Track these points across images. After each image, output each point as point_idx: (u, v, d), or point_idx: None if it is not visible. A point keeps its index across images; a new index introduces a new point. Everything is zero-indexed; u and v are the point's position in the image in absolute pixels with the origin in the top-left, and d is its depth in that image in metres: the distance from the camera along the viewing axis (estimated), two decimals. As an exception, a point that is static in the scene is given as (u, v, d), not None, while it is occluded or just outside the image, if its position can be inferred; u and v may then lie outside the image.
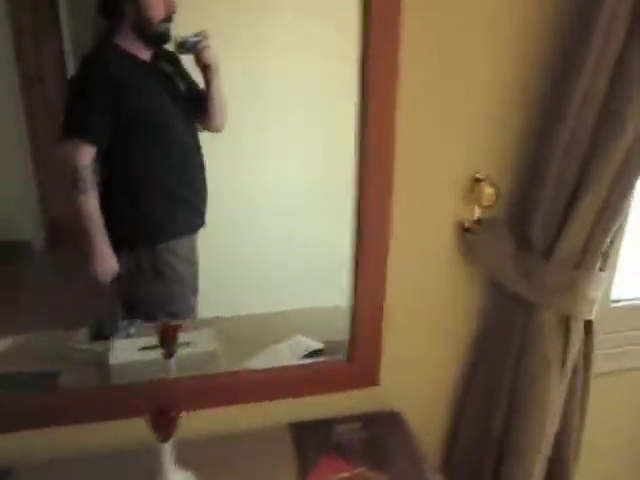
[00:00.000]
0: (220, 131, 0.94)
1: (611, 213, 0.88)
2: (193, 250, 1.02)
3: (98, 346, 1.03)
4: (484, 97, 0.93)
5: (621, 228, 0.95)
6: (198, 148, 0.94)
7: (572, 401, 1.01)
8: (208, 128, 0.94)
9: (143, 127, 0.91)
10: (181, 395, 0.99)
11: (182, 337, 1.05)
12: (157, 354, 1.02)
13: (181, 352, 1.04)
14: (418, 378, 1.09)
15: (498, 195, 0.96)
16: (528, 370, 0.97)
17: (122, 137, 0.90)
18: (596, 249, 0.91)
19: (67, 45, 0.87)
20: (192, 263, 1.02)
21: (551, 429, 1.00)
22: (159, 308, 1.03)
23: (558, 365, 0.96)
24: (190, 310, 1.06)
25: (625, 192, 0.87)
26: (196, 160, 0.95)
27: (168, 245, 0.99)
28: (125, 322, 1.05)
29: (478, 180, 0.97)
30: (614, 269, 1.15)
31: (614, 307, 1.18)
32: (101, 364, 1.02)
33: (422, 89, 0.90)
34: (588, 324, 0.99)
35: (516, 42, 0.90)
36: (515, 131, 0.95)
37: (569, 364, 0.97)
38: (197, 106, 0.93)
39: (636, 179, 0.86)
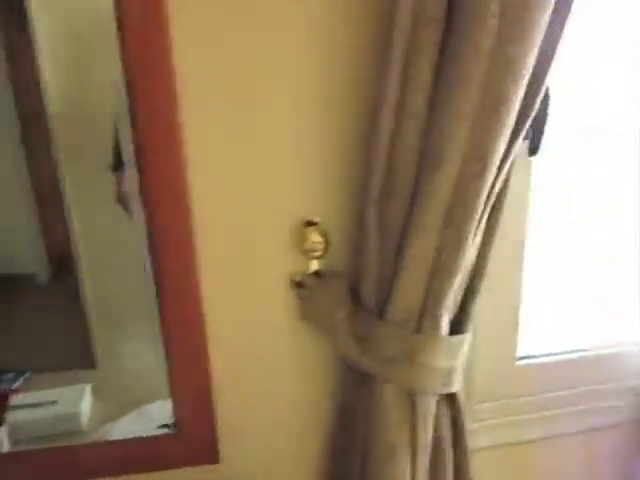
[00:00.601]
0: None
1: (445, 269, 0.71)
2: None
3: (-31, 405, 0.96)
4: (303, 133, 0.77)
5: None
6: None
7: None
8: None
9: None
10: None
11: (50, 394, 0.96)
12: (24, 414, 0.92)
13: (40, 414, 0.94)
14: (271, 456, 0.93)
15: (328, 243, 0.81)
16: (373, 456, 0.79)
17: None
18: (436, 310, 0.73)
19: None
20: None
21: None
22: None
23: (407, 451, 0.77)
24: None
25: (457, 247, 0.69)
26: None
27: None
28: (11, 374, 0.98)
29: (310, 224, 0.82)
30: (516, 324, 0.95)
31: (520, 366, 0.98)
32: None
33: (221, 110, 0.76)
34: (452, 397, 0.81)
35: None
36: (346, 175, 0.80)
37: (422, 450, 0.78)
38: None
39: (467, 232, 0.69)
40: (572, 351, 1.00)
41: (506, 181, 0.73)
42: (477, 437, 0.97)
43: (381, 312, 0.76)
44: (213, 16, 0.72)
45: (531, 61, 0.64)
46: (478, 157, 0.66)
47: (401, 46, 0.65)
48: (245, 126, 0.76)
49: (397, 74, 0.66)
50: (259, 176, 0.79)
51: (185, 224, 0.77)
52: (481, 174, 0.67)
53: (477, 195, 0.67)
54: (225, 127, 0.76)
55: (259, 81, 0.75)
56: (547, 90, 0.75)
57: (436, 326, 0.74)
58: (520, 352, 0.97)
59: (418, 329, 0.74)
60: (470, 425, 0.96)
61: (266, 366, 0.88)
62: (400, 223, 0.71)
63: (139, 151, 0.73)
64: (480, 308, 0.91)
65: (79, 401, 0.97)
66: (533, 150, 0.80)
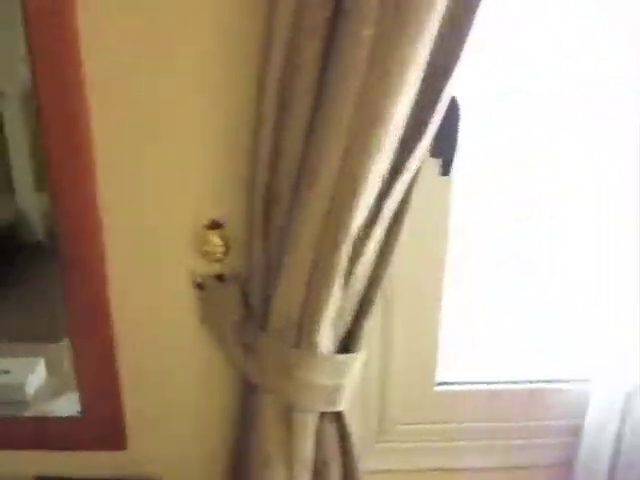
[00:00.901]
0: None
1: (322, 280, 0.68)
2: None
3: None
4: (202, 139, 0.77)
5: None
6: None
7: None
8: None
9: None
10: None
11: (5, 363, 0.99)
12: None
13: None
14: (177, 447, 0.93)
15: (228, 247, 0.80)
16: (252, 462, 0.78)
17: None
18: (313, 324, 0.70)
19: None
20: None
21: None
22: None
23: (283, 463, 0.76)
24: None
25: (332, 259, 0.67)
26: None
27: None
28: (-23, 341, 1.05)
29: (212, 227, 0.82)
30: (435, 347, 0.91)
31: (439, 391, 0.92)
32: None
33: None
34: (339, 415, 0.78)
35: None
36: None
37: (299, 464, 0.76)
38: None
39: (341, 247, 0.66)
40: (503, 382, 0.95)
41: (402, 207, 0.70)
42: (387, 459, 0.94)
43: (264, 321, 0.74)
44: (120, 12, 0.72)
45: (411, 76, 0.60)
46: (354, 175, 0.63)
47: (281, 55, 0.63)
48: (151, 126, 0.76)
49: (277, 82, 0.64)
50: (164, 177, 0.79)
51: (94, 222, 0.78)
52: (356, 192, 0.64)
53: (352, 212, 0.65)
54: (132, 127, 0.76)
55: (164, 79, 0.74)
56: (456, 106, 0.71)
57: (313, 342, 0.71)
58: (442, 378, 0.93)
59: (296, 344, 0.72)
60: (380, 445, 0.94)
61: (171, 365, 0.88)
62: (282, 229, 0.70)
63: (48, 151, 0.75)
64: (400, 326, 0.89)
65: (28, 373, 1.01)
66: (445, 169, 0.75)
